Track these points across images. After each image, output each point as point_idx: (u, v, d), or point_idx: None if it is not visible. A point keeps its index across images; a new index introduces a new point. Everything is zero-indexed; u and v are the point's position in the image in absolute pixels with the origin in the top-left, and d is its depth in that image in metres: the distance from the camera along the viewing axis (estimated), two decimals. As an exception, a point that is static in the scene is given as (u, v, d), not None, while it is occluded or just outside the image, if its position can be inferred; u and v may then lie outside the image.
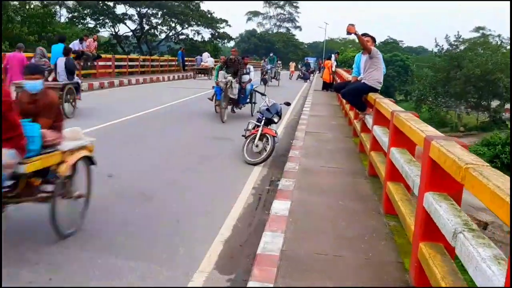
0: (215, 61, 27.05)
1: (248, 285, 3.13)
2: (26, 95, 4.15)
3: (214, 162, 7.30)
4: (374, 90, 6.87)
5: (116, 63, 22.44)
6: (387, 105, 5.03)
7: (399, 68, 52.23)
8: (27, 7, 28.13)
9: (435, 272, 2.64)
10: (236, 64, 11.34)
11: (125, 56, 23.98)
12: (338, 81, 16.15)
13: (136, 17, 40.70)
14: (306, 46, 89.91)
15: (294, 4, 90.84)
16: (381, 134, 5.23)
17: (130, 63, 24.14)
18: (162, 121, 10.96)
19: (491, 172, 2.23)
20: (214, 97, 11.42)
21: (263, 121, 7.64)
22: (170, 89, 19.72)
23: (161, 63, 29.40)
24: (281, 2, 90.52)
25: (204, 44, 40.94)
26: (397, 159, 4.10)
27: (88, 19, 39.21)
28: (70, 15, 37.56)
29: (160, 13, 40.49)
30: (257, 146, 7.40)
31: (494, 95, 40.02)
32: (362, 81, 7.03)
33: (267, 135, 7.42)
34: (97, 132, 8.80)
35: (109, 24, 39.05)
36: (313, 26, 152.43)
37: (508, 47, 49.33)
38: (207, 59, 28.51)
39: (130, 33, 41.78)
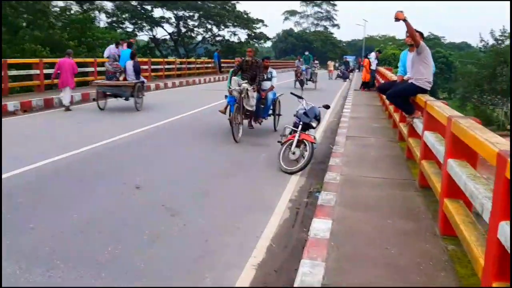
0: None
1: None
2: None
3: (248, 170, 6.84)
4: (423, 90, 6.21)
5: (152, 67, 22.40)
6: (441, 109, 4.40)
7: (441, 64, 50.45)
8: (68, 13, 28.71)
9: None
10: (253, 67, 9.14)
11: (161, 59, 23.95)
12: (381, 80, 15.29)
13: (173, 20, 40.99)
14: (344, 44, 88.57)
15: (332, 2, 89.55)
16: (434, 142, 4.60)
17: (166, 66, 24.07)
18: (196, 126, 10.61)
19: None
20: (228, 110, 9.24)
21: (300, 126, 7.11)
22: (206, 91, 19.47)
23: (198, 66, 29.26)
24: (319, 1, 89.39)
25: (241, 45, 40.70)
26: (457, 174, 3.49)
27: (127, 23, 39.79)
28: (109, 19, 38.17)
29: (196, 15, 40.53)
30: (294, 153, 6.88)
31: (546, 90, 37.87)
32: (410, 81, 6.37)
33: (305, 141, 6.89)
34: (131, 138, 8.56)
35: (147, 28, 39.41)
36: (352, 23, 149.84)
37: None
38: None
39: (168, 36, 42.10)
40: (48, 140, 8.48)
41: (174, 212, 4.93)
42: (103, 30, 31.72)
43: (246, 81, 8.86)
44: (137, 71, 12.65)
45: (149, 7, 39.41)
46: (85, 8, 32.95)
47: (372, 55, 20.57)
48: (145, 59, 22.35)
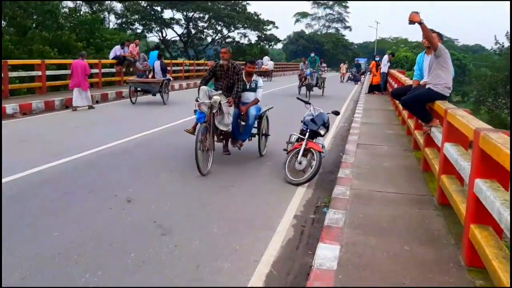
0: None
1: None
2: None
3: (251, 181, 6.35)
4: (442, 97, 5.67)
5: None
6: (466, 119, 3.87)
7: (455, 67, 49.25)
8: (77, 13, 28.52)
9: None
10: (230, 74, 6.94)
11: (168, 61, 23.51)
12: (394, 84, 14.67)
13: (183, 21, 40.65)
14: (356, 46, 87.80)
15: (344, 4, 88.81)
16: (457, 156, 4.07)
17: (174, 68, 23.66)
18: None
19: None
20: (197, 128, 6.79)
21: (307, 133, 6.61)
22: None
23: (206, 67, 28.82)
24: (330, 2, 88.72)
25: (251, 46, 40.27)
26: (488, 198, 2.97)
27: (137, 24, 39.56)
28: (119, 20, 37.98)
29: (206, 16, 40.18)
30: (300, 163, 6.39)
31: (561, 95, 36.94)
32: (427, 86, 5.83)
33: (312, 150, 6.39)
34: (128, 144, 8.10)
35: (156, 29, 39.16)
36: (364, 25, 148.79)
37: None
38: (267, 62, 31.04)
39: (177, 38, 41.78)
40: (40, 145, 8.05)
41: (166, 230, 4.46)
42: (111, 31, 31.49)
43: (220, 91, 6.82)
44: (164, 70, 14.48)
45: (158, 8, 39.15)
46: (94, 9, 32.79)
47: (385, 58, 19.96)
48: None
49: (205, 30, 40.74)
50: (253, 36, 42.42)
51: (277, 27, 43.96)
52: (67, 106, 13.28)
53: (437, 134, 5.34)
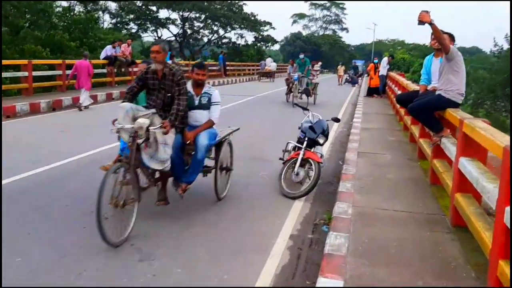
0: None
1: None
2: None
3: (243, 194, 5.82)
4: (455, 104, 5.16)
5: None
6: (489, 133, 3.35)
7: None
8: (71, 13, 27.95)
9: None
10: (168, 84, 4.74)
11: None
12: (394, 88, 14.13)
13: (179, 21, 40.09)
14: (353, 48, 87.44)
15: (341, 6, 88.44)
16: (477, 174, 3.55)
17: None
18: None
19: None
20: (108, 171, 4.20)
21: (305, 142, 6.10)
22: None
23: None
24: (328, 4, 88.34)
25: (247, 47, 39.73)
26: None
27: (132, 24, 38.98)
28: (114, 20, 37.37)
29: (203, 16, 39.65)
30: (297, 174, 5.87)
31: (562, 98, 36.66)
32: (437, 92, 5.31)
33: (311, 160, 5.88)
34: (97, 156, 7.53)
35: (152, 29, 38.57)
36: (361, 27, 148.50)
37: None
38: (270, 64, 31.81)
39: (173, 38, 41.17)
40: (19, 151, 7.47)
41: (144, 255, 3.92)
42: (105, 31, 30.87)
43: (154, 110, 4.60)
44: None
45: (154, 8, 38.58)
46: (88, 8, 32.19)
47: (384, 60, 19.44)
48: (139, 61, 21.32)
49: (201, 30, 40.22)
50: (250, 37, 41.97)
51: (274, 28, 43.41)
52: (54, 109, 12.72)
53: (449, 145, 4.83)
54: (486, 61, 47.87)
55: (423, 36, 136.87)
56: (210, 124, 5.11)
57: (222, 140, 5.42)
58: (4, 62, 15.08)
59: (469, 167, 3.75)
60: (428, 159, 6.11)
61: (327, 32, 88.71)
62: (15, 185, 5.69)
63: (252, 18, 40.01)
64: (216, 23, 38.98)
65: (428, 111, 5.30)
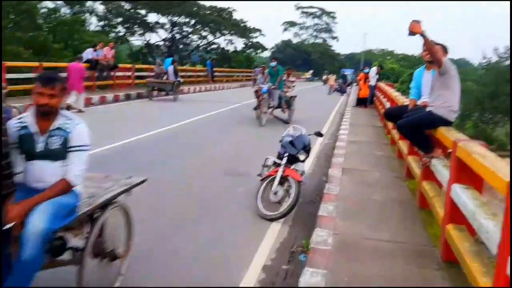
0: None
1: None
2: None
3: (216, 214, 5.34)
4: (447, 122, 4.72)
5: (137, 74, 20.84)
6: (489, 162, 2.88)
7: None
8: (57, 14, 27.31)
9: None
10: None
11: (146, 66, 22.35)
12: (383, 100, 13.69)
13: (168, 26, 39.53)
14: (343, 57, 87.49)
15: (332, 15, 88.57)
16: (473, 207, 3.09)
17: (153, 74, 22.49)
18: (164, 147, 9.07)
19: None
20: None
21: (285, 158, 5.62)
22: (193, 103, 17.96)
23: (188, 74, 27.71)
24: (319, 12, 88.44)
25: (236, 54, 39.27)
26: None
27: (120, 27, 38.32)
28: (101, 22, 36.70)
29: (192, 21, 39.14)
30: (275, 193, 5.40)
31: (548, 111, 36.78)
32: (428, 108, 4.86)
33: (290, 178, 5.40)
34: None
35: (140, 33, 37.97)
36: (350, 36, 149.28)
37: None
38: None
39: (162, 42, 40.62)
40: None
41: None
42: (91, 33, 30.20)
43: None
44: (176, 73, 18.19)
45: (143, 11, 38.01)
46: (74, 10, 31.51)
47: (373, 70, 19.10)
48: (128, 65, 20.80)
49: (190, 36, 39.68)
50: (239, 43, 41.54)
51: (263, 35, 43.06)
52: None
53: (441, 168, 4.37)
54: (473, 73, 48.08)
55: (412, 47, 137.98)
56: (61, 188, 2.82)
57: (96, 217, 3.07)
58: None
59: (464, 197, 3.29)
60: (417, 180, 5.67)
61: (318, 41, 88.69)
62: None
63: (242, 24, 39.61)
64: (206, 28, 38.52)
65: (417, 129, 4.84)
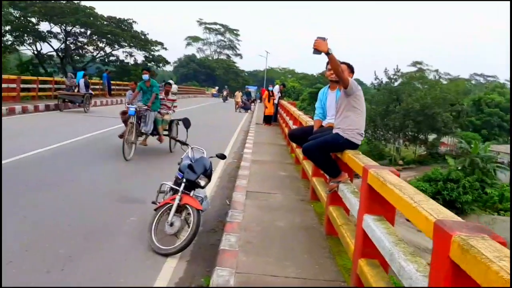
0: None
1: None
2: None
3: (100, 249, 4.56)
4: (353, 145, 4.46)
5: (23, 86, 18.89)
6: (410, 197, 2.54)
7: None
8: None
9: None
10: None
11: (34, 78, 20.45)
12: (287, 119, 13.61)
13: (61, 35, 36.84)
14: (246, 74, 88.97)
15: (235, 32, 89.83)
16: (391, 245, 2.74)
17: (41, 86, 20.61)
18: (47, 169, 7.96)
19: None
20: None
21: (183, 184, 5.02)
22: (82, 119, 16.57)
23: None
24: (222, 29, 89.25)
25: (137, 66, 37.69)
26: None
27: (8, 36, 34.94)
28: (-14, 30, 33.13)
29: (88, 32, 36.91)
30: (171, 224, 4.76)
31: (432, 129, 40.25)
32: (335, 130, 4.58)
33: (189, 206, 4.81)
34: None
35: (29, 42, 34.92)
36: (254, 54, 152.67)
37: (445, 82, 50.53)
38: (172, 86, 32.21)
39: (55, 53, 37.75)
40: None
41: None
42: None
43: None
44: (87, 86, 18.97)
45: (34, 20, 35.09)
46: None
47: (276, 88, 19.22)
48: (12, 77, 18.75)
49: (85, 46, 37.30)
50: (140, 56, 39.96)
51: (165, 49, 41.85)
52: None
53: (349, 195, 4.07)
54: (367, 93, 51.34)
55: (311, 66, 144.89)
56: None
57: None
58: None
59: (378, 232, 2.96)
60: (323, 203, 5.39)
61: (222, 57, 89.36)
62: None
63: (143, 36, 38.20)
64: (103, 39, 36.50)
65: (323, 152, 4.52)
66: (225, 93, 45.37)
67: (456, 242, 1.82)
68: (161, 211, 4.91)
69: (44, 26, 35.94)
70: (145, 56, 39.59)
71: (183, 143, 5.53)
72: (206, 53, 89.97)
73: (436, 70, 64.22)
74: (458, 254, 1.79)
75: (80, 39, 36.99)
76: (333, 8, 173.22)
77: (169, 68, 67.35)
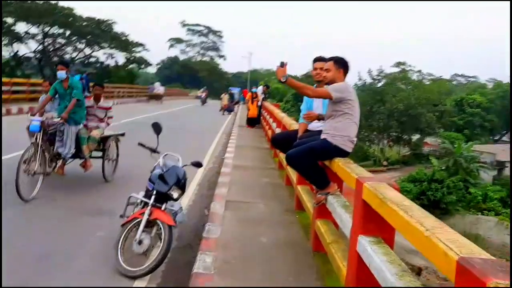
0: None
1: None
2: None
3: (61, 270, 4.00)
4: (343, 153, 3.98)
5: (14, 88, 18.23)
6: (419, 222, 2.06)
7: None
8: None
9: None
10: None
11: (7, 80, 19.62)
12: (271, 122, 13.07)
13: (39, 36, 35.85)
14: (230, 75, 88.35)
15: (218, 34, 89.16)
16: (391, 276, 2.27)
17: (14, 88, 19.79)
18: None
19: None
20: None
21: (153, 196, 4.47)
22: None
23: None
24: (205, 31, 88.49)
25: (118, 68, 36.90)
26: None
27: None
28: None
29: (67, 33, 35.98)
30: (140, 242, 4.21)
31: (416, 129, 40.28)
32: (323, 136, 4.08)
33: (159, 222, 4.27)
34: None
35: (5, 43, 33.87)
36: (237, 56, 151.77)
37: (428, 82, 50.65)
38: (159, 88, 35.17)
39: (32, 54, 36.74)
40: None
41: None
42: None
43: None
44: (88, 89, 16.09)
45: (10, 20, 34.06)
46: None
47: (259, 90, 18.71)
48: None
49: (64, 48, 36.37)
50: (121, 57, 39.13)
51: (147, 50, 41.05)
52: None
53: (340, 210, 3.57)
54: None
55: (296, 67, 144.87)
56: None
57: None
58: None
59: (378, 260, 2.47)
60: (309, 215, 4.91)
61: (205, 58, 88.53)
62: None
63: (124, 38, 37.38)
64: (82, 40, 35.60)
65: (310, 160, 4.01)
66: (203, 95, 38.65)
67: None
68: (128, 227, 4.36)
69: (21, 27, 34.97)
70: (126, 58, 38.85)
71: (153, 150, 4.97)
72: (190, 55, 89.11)
73: (419, 71, 64.52)
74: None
75: (59, 40, 36.03)
76: (316, 8, 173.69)
77: (152, 70, 66.45)
